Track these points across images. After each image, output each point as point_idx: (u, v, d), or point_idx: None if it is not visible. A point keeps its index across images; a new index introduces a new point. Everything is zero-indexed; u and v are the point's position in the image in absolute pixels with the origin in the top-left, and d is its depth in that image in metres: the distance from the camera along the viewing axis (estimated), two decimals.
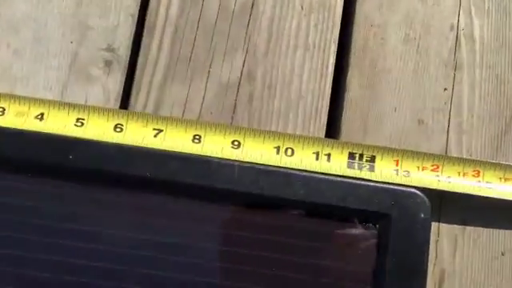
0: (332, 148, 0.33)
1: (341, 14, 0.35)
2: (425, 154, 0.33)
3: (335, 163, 0.32)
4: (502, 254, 0.33)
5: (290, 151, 0.32)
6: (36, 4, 0.35)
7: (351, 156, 0.32)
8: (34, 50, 0.34)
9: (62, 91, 0.34)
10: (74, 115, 0.32)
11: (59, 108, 0.32)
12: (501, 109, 0.35)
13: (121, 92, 0.34)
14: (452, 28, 0.36)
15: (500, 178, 0.32)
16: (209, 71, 0.35)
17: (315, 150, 0.32)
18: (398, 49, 0.35)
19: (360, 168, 0.32)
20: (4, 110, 0.32)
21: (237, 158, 0.32)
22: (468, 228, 0.33)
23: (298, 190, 0.31)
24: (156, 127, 0.32)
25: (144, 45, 0.35)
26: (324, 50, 0.35)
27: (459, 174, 0.32)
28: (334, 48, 0.35)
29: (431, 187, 0.32)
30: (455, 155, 0.34)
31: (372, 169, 0.32)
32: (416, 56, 0.35)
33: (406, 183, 0.32)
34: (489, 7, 0.36)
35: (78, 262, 0.30)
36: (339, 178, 0.32)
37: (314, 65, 0.35)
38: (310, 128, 0.34)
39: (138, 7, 0.35)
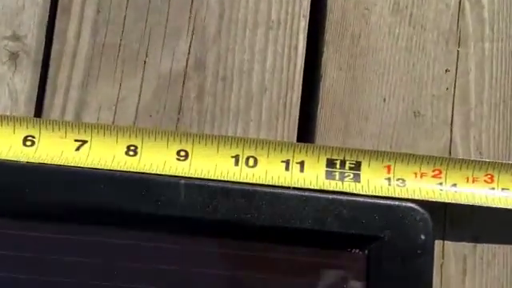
0: (306, 154, 0.32)
1: None
2: (423, 156, 0.32)
3: (310, 174, 0.31)
4: None
5: (252, 161, 0.31)
6: None
7: (330, 163, 0.32)
8: None
9: None
10: None
11: None
12: None
13: (32, 93, 0.33)
14: None
15: None
16: (144, 62, 0.33)
17: (284, 157, 0.31)
18: (385, 21, 0.34)
19: (342, 178, 0.31)
20: None
21: (183, 174, 0.31)
22: (480, 246, 0.32)
23: (263, 212, 0.29)
24: (78, 138, 0.31)
25: (58, 31, 0.33)
26: (291, 28, 0.34)
27: (467, 180, 0.32)
28: (304, 24, 0.34)
29: (433, 199, 0.31)
30: (462, 156, 0.33)
31: (357, 179, 0.31)
32: (409, 30, 0.34)
33: (400, 195, 0.31)
34: None
35: None
36: (316, 194, 0.30)
37: (279, 47, 0.34)
38: (278, 129, 0.33)
39: None
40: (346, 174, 0.31)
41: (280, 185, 0.31)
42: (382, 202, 0.30)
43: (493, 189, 0.31)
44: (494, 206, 0.31)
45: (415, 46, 0.34)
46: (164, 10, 0.34)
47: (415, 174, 0.31)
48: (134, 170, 0.30)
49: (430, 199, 0.31)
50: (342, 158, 0.31)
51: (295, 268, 0.30)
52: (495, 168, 0.31)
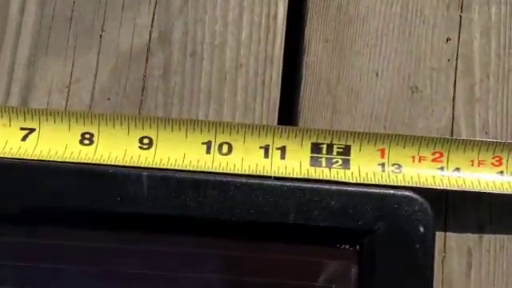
0: (287, 138, 0.30)
1: None
2: (422, 137, 0.31)
3: (293, 161, 0.30)
4: None
5: (226, 147, 0.30)
6: None
7: (316, 148, 0.30)
8: None
9: None
10: None
11: None
12: None
13: None
14: None
15: None
16: (100, 36, 0.32)
17: (263, 143, 0.30)
18: None
19: (329, 165, 0.30)
20: None
21: (147, 165, 0.29)
22: (486, 237, 0.31)
23: (239, 207, 0.28)
24: (25, 126, 0.30)
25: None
26: None
27: (472, 163, 0.30)
28: None
29: (433, 186, 0.30)
30: (465, 136, 0.32)
31: (346, 165, 0.30)
32: None
33: (396, 183, 0.30)
34: None
35: None
36: (299, 184, 0.29)
37: (256, 16, 0.33)
38: (256, 111, 0.32)
39: None
40: (334, 160, 0.30)
41: (258, 174, 0.29)
42: (374, 190, 0.29)
43: (501, 173, 0.30)
44: (502, 192, 0.30)
45: (411, 11, 0.33)
46: None
47: (413, 158, 0.30)
48: (90, 162, 0.29)
49: (430, 186, 0.30)
50: (328, 142, 0.30)
51: (277, 268, 0.29)
52: (504, 149, 0.30)
